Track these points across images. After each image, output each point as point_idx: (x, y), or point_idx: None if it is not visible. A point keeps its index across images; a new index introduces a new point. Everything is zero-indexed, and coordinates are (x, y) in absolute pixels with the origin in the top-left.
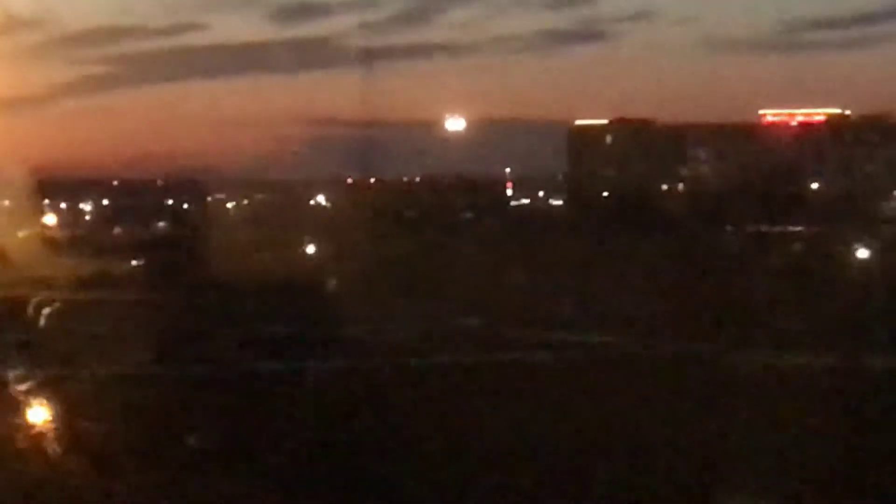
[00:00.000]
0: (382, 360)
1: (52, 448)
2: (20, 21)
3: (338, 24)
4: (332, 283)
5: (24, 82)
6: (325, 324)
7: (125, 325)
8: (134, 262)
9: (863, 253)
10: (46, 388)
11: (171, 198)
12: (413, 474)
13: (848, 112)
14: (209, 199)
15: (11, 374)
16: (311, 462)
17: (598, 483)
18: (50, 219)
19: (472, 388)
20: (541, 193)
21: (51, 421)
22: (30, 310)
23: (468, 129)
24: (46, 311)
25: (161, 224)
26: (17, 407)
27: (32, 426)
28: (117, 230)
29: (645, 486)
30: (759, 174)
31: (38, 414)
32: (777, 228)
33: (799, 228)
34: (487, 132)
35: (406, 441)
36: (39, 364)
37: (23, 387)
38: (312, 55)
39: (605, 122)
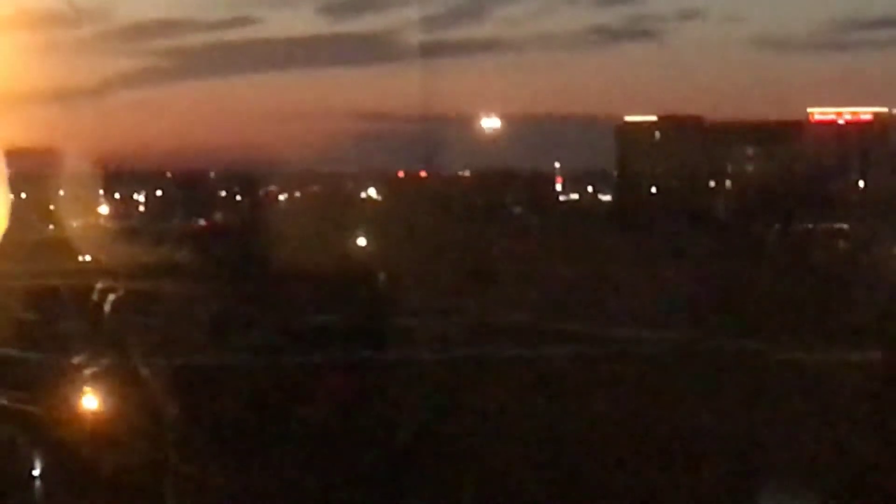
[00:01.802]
0: (433, 352)
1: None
2: (80, 13)
3: (390, 19)
4: (382, 276)
5: (81, 74)
6: (377, 315)
7: (184, 314)
8: (188, 253)
9: None
10: (112, 374)
11: (223, 190)
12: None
13: None
14: (261, 191)
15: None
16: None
17: None
18: (104, 209)
19: (522, 380)
20: (590, 189)
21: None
22: (93, 298)
23: (518, 124)
24: (110, 299)
25: (215, 215)
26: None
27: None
28: (171, 221)
29: None
30: (806, 172)
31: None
32: (823, 226)
33: (845, 226)
34: (537, 128)
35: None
36: (107, 351)
37: (90, 371)
38: (364, 50)
39: (653, 118)
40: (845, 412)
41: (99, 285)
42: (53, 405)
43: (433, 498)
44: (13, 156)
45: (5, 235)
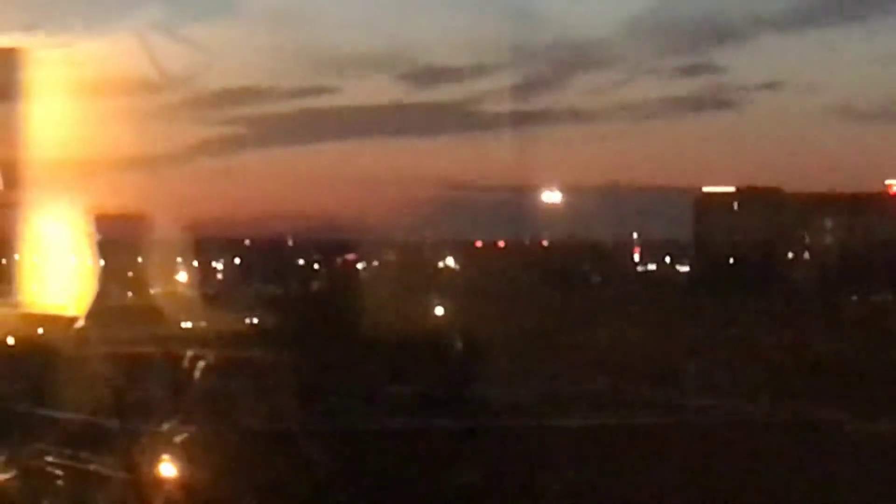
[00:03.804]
0: (511, 421)
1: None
2: (166, 79)
3: (468, 89)
4: (459, 344)
5: (165, 140)
6: (456, 384)
7: (268, 383)
8: (267, 321)
9: None
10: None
11: (301, 257)
12: None
13: None
14: (339, 259)
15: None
16: None
17: None
18: (183, 276)
19: (597, 449)
20: (667, 259)
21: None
22: (175, 365)
23: (597, 193)
24: (196, 367)
25: (294, 283)
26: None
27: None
28: (249, 289)
29: None
30: (884, 243)
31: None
32: None
33: None
34: (616, 197)
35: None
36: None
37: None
38: (443, 119)
39: (732, 189)
40: None
41: (182, 353)
42: (142, 472)
43: None
44: (100, 222)
45: (91, 302)
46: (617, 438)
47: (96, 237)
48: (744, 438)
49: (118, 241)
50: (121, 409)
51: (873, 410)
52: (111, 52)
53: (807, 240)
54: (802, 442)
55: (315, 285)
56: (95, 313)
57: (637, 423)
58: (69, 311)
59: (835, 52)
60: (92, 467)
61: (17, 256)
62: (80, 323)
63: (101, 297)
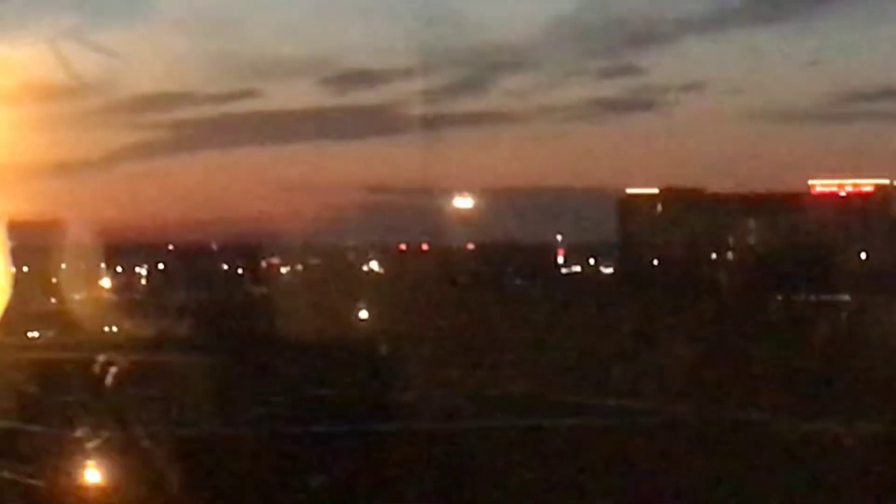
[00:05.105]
0: (430, 425)
1: None
2: (84, 85)
3: (391, 92)
4: (383, 348)
5: (84, 146)
6: (376, 388)
7: (183, 387)
8: (189, 326)
9: None
10: (114, 446)
11: (225, 263)
12: None
13: None
14: (263, 263)
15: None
16: None
17: None
18: (106, 282)
19: (521, 452)
20: (591, 261)
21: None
22: (95, 371)
23: (520, 196)
24: (111, 371)
25: (215, 288)
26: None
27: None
28: (173, 294)
29: None
30: (807, 243)
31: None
32: (825, 298)
33: (846, 298)
34: (539, 200)
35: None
36: (105, 423)
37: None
38: (365, 123)
39: (655, 191)
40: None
41: (101, 358)
42: (55, 478)
43: None
44: (16, 228)
45: (7, 309)
46: (529, 440)
47: (11, 244)
48: (659, 439)
49: (37, 247)
50: (34, 415)
51: (801, 410)
52: (26, 58)
53: (730, 240)
54: (724, 442)
55: (239, 290)
56: (10, 320)
57: (552, 425)
58: None
59: (757, 53)
60: (4, 473)
61: None
62: None
63: (19, 303)
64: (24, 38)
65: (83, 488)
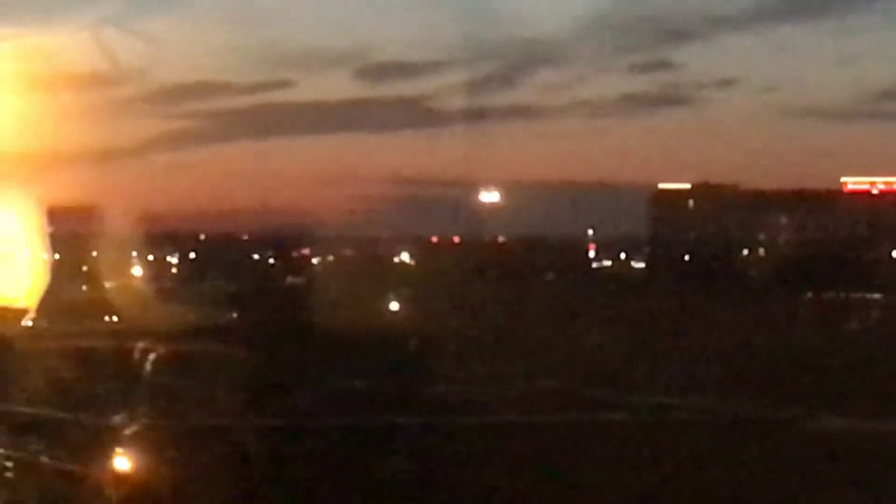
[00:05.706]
0: (464, 418)
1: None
2: (121, 73)
3: (425, 85)
4: (414, 341)
5: (120, 134)
6: (408, 381)
7: (218, 377)
8: (221, 316)
9: None
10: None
11: (256, 252)
12: None
13: None
14: (294, 254)
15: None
16: None
17: None
18: (137, 270)
19: (550, 446)
20: (623, 256)
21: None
22: (124, 360)
23: (552, 190)
24: (148, 360)
25: (248, 278)
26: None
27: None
28: (204, 283)
29: None
30: (839, 241)
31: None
32: (856, 295)
33: (878, 296)
34: (570, 194)
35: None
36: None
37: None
38: (399, 115)
39: (687, 186)
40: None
41: (139, 346)
42: (93, 465)
43: None
44: (52, 215)
45: (42, 295)
46: (562, 434)
47: (49, 230)
48: (697, 436)
49: (72, 234)
50: (71, 402)
51: (831, 407)
52: (65, 46)
53: (762, 236)
54: (757, 440)
55: (271, 280)
56: (46, 307)
57: (584, 419)
58: (20, 304)
59: (790, 50)
60: (43, 460)
61: None
62: (31, 316)
63: (53, 290)
64: (65, 26)
65: (120, 475)
